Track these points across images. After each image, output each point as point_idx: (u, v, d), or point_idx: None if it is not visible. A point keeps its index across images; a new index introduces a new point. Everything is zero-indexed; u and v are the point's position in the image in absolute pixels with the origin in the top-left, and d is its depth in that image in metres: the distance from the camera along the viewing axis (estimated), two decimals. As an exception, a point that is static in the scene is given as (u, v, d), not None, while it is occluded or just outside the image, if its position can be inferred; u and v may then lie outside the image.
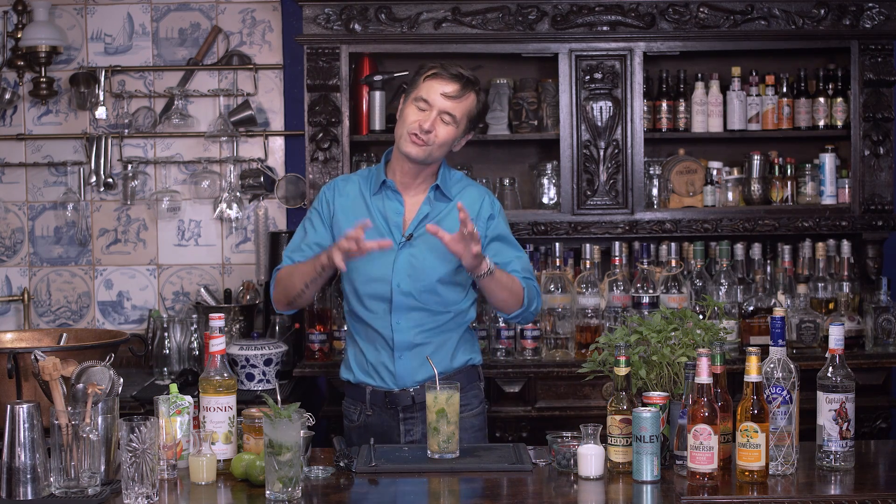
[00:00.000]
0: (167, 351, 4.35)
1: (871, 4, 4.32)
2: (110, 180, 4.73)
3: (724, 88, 4.51)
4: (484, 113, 3.25)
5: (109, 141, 4.72)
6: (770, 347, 2.72)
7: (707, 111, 4.49)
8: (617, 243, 4.30)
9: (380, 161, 3.28)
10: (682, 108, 4.48)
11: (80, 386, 2.64)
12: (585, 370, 2.95)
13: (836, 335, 2.72)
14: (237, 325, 4.43)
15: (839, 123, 4.46)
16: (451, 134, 3.10)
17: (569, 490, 2.65)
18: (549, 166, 4.51)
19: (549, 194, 4.52)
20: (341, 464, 2.78)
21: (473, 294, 3.25)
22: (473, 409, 3.23)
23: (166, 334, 4.36)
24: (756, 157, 4.51)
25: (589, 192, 4.38)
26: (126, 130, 4.75)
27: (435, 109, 3.07)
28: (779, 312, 2.71)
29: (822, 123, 4.48)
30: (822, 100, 4.48)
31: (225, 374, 2.81)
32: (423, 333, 3.14)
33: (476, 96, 3.14)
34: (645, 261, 4.24)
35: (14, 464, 2.50)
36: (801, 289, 4.24)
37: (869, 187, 4.40)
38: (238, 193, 4.72)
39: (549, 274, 4.25)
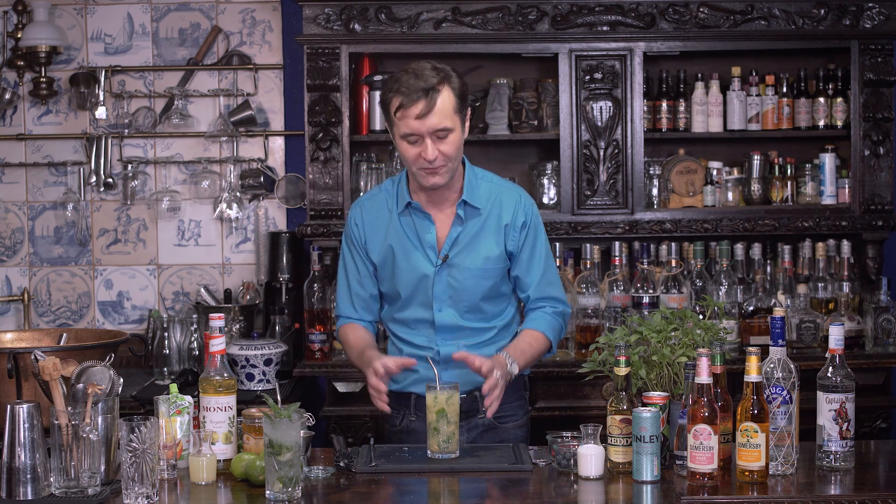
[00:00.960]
0: (167, 351, 4.35)
1: (871, 4, 4.32)
2: (110, 180, 4.73)
3: (724, 88, 4.51)
4: (465, 85, 3.01)
5: (109, 141, 4.72)
6: (770, 347, 2.72)
7: (707, 111, 4.49)
8: (617, 243, 4.30)
9: (387, 161, 3.21)
10: (682, 108, 4.48)
11: (80, 386, 2.64)
12: (585, 370, 2.95)
13: (836, 335, 2.72)
14: (237, 325, 4.43)
15: (839, 123, 4.46)
16: (456, 138, 2.95)
17: (569, 490, 2.65)
18: (549, 166, 4.51)
19: (549, 194, 4.52)
20: (341, 464, 2.78)
21: (516, 302, 3.17)
22: (518, 419, 3.14)
23: (166, 334, 4.36)
24: (756, 157, 4.51)
25: (589, 192, 4.38)
26: (126, 130, 4.75)
27: (425, 136, 2.90)
28: (779, 312, 2.71)
29: (822, 123, 4.48)
30: (822, 100, 4.48)
31: (225, 374, 2.81)
32: (468, 348, 3.02)
33: (448, 85, 2.93)
34: (645, 261, 4.24)
35: (14, 464, 2.50)
36: (801, 289, 4.24)
37: (869, 187, 4.40)
38: (238, 193, 4.72)
39: (549, 274, 4.25)
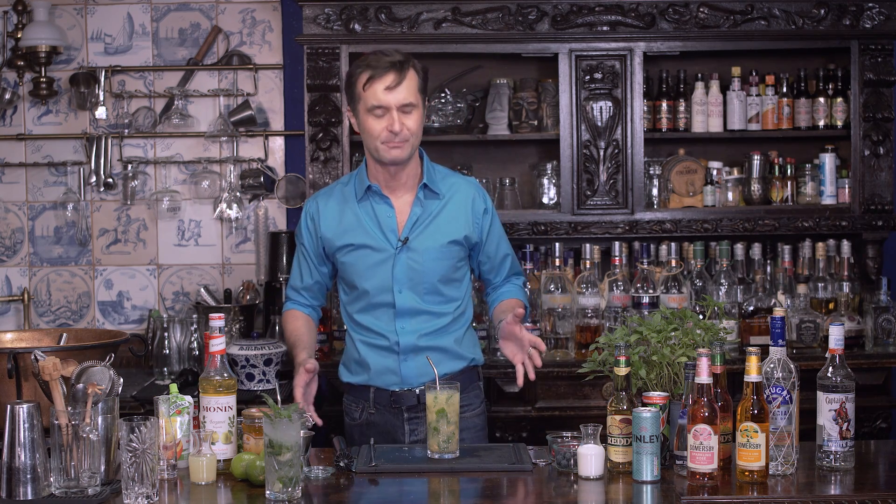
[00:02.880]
0: (167, 351, 4.35)
1: (871, 4, 4.32)
2: (110, 180, 4.73)
3: (724, 88, 4.51)
4: (427, 72, 3.14)
5: (109, 141, 4.72)
6: (770, 347, 2.72)
7: (707, 111, 4.49)
8: (617, 243, 4.30)
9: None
10: (682, 108, 4.48)
11: (80, 386, 2.64)
12: (585, 370, 2.95)
13: (836, 335, 2.72)
14: (237, 325, 4.43)
15: (839, 123, 4.46)
16: (419, 117, 3.08)
17: (569, 490, 2.65)
18: (549, 166, 4.51)
19: (549, 194, 4.52)
20: (341, 464, 2.78)
21: (469, 289, 3.27)
22: (475, 408, 3.24)
23: (166, 334, 4.36)
24: (756, 157, 4.51)
25: (589, 192, 4.38)
26: (126, 130, 4.75)
27: (392, 109, 3.03)
28: (779, 312, 2.71)
29: (822, 123, 4.48)
30: (822, 100, 4.48)
31: (225, 374, 2.81)
32: (426, 336, 3.14)
33: (413, 67, 3.06)
34: (645, 261, 4.24)
35: (14, 464, 2.50)
36: (801, 289, 4.24)
37: (869, 187, 4.40)
38: (238, 193, 4.72)
39: (549, 274, 4.25)
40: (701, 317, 2.96)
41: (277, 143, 4.78)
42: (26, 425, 2.51)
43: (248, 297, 4.58)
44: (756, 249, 4.35)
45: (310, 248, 3.24)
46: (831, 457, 2.72)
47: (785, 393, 2.68)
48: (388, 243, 3.12)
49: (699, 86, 4.50)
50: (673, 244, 4.30)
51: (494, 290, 3.33)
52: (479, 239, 3.20)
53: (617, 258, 4.28)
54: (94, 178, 4.71)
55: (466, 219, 3.17)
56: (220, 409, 2.79)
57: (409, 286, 3.12)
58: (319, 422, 3.04)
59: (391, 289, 3.12)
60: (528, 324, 4.12)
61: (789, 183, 4.49)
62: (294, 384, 3.06)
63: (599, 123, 4.37)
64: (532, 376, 3.01)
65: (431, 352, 3.12)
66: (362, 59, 3.09)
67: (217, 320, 2.84)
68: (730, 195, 4.51)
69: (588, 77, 4.36)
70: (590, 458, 2.67)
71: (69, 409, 2.57)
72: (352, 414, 3.26)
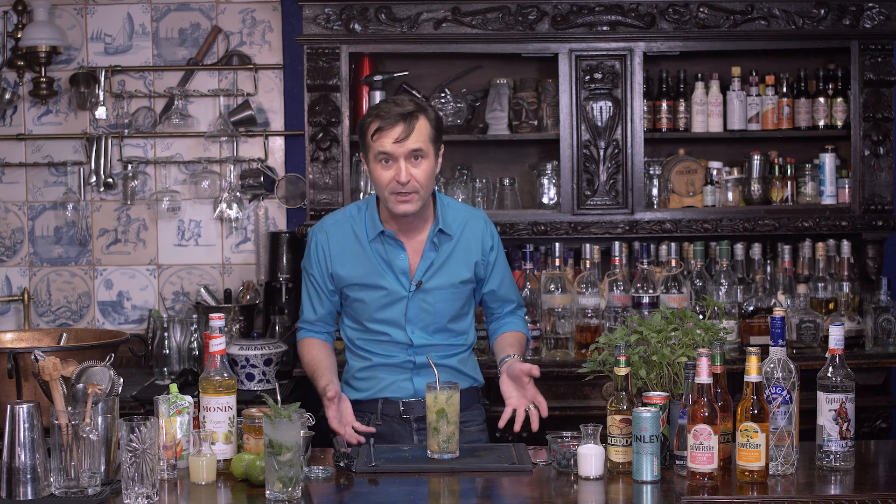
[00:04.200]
0: (167, 351, 4.35)
1: (871, 4, 4.32)
2: (110, 180, 4.73)
3: (724, 88, 4.51)
4: (441, 121, 3.13)
5: (109, 141, 4.72)
6: (770, 347, 2.72)
7: (707, 111, 4.49)
8: (617, 243, 4.30)
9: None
10: (682, 108, 4.48)
11: (80, 386, 2.64)
12: (585, 370, 2.95)
13: (836, 335, 2.72)
14: (237, 325, 4.43)
15: (839, 123, 4.46)
16: (429, 166, 3.03)
17: (569, 490, 2.65)
18: (549, 166, 4.51)
19: (549, 194, 4.52)
20: (341, 464, 2.78)
21: (473, 318, 3.29)
22: (478, 423, 3.27)
23: (166, 334, 4.36)
24: (756, 157, 4.51)
25: (589, 192, 4.38)
26: (126, 130, 4.75)
27: (400, 158, 2.98)
28: (779, 312, 2.71)
29: (822, 123, 4.48)
30: (822, 100, 4.48)
31: (225, 374, 2.81)
32: (436, 357, 3.13)
33: (426, 115, 3.02)
34: (645, 261, 4.24)
35: (14, 464, 2.50)
36: (801, 289, 4.24)
37: (869, 187, 4.40)
38: (238, 193, 4.72)
39: (549, 274, 4.25)
40: (701, 317, 2.96)
41: (277, 143, 4.78)
42: (26, 425, 2.51)
43: (248, 297, 4.58)
44: (756, 249, 4.35)
45: (319, 280, 3.20)
46: (831, 457, 2.72)
47: (785, 393, 2.68)
48: (400, 286, 3.12)
49: (699, 86, 4.50)
50: (673, 244, 4.30)
51: (497, 321, 3.34)
52: (485, 275, 3.22)
53: (617, 258, 4.28)
54: (94, 178, 4.71)
55: (476, 257, 3.18)
56: (220, 409, 2.79)
57: (421, 326, 3.15)
58: (362, 440, 3.01)
59: (404, 329, 3.14)
60: (529, 324, 4.12)
61: (789, 183, 4.49)
62: (328, 417, 3.06)
63: (599, 123, 4.37)
64: (535, 427, 3.05)
65: (440, 369, 3.09)
66: (373, 108, 3.06)
67: (217, 320, 2.84)
68: (730, 195, 4.51)
69: (588, 77, 4.36)
70: (590, 458, 2.67)
71: (69, 409, 2.57)
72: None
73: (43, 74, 4.65)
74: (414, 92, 4.53)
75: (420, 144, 3.00)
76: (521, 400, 3.07)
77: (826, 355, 2.75)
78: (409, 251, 3.13)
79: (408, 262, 3.12)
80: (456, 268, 3.14)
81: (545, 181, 4.53)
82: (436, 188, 3.18)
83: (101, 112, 4.68)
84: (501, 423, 3.04)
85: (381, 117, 2.99)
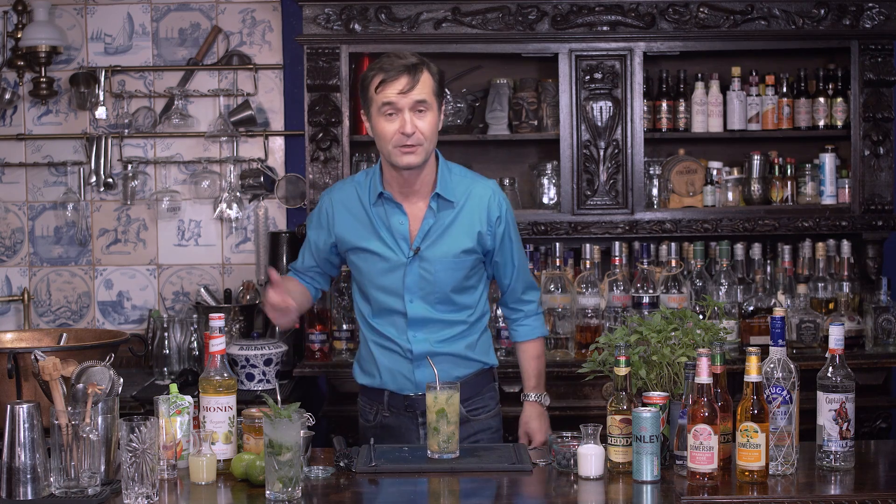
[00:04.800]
0: (167, 351, 4.35)
1: (871, 4, 4.32)
2: (110, 180, 4.73)
3: (724, 88, 4.51)
4: (443, 76, 3.09)
5: (109, 141, 4.72)
6: (770, 347, 2.72)
7: (707, 111, 4.49)
8: (617, 243, 4.30)
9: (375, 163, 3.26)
10: (682, 108, 4.48)
11: (80, 386, 2.64)
12: (585, 370, 2.96)
13: (836, 335, 2.73)
14: (237, 325, 4.42)
15: (839, 123, 4.46)
16: (433, 119, 2.99)
17: (569, 490, 2.65)
18: (549, 166, 4.51)
19: (549, 194, 4.52)
20: (341, 464, 2.78)
21: (485, 293, 3.23)
22: (490, 410, 3.24)
23: (166, 334, 4.36)
24: (756, 157, 4.51)
25: (589, 192, 4.38)
26: (126, 130, 4.75)
27: (404, 109, 2.95)
28: (779, 312, 2.71)
29: (822, 123, 4.48)
30: (822, 100, 4.48)
31: (225, 374, 2.81)
32: (440, 343, 3.11)
33: (429, 70, 2.99)
34: (645, 261, 4.24)
35: (14, 464, 2.50)
36: (801, 289, 4.24)
37: (869, 187, 4.40)
38: (238, 193, 4.72)
39: (549, 274, 4.25)
40: (701, 317, 2.96)
41: (277, 143, 4.78)
42: (26, 425, 2.51)
43: (248, 297, 4.58)
44: (756, 249, 4.35)
45: (317, 239, 3.20)
46: (831, 457, 2.72)
47: (785, 393, 2.68)
48: (400, 252, 3.08)
49: (699, 86, 4.50)
50: (673, 244, 4.30)
51: (517, 313, 3.29)
52: (492, 246, 3.14)
53: (617, 258, 4.28)
54: (94, 178, 4.71)
55: (480, 227, 3.10)
56: (220, 409, 2.79)
57: (421, 296, 3.09)
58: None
59: (402, 297, 3.09)
60: None
61: (789, 183, 4.49)
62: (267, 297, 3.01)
63: (599, 123, 4.37)
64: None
65: (444, 357, 3.10)
66: (376, 62, 3.01)
67: (217, 320, 2.84)
68: (730, 195, 4.51)
69: (588, 77, 4.36)
70: (590, 458, 2.67)
71: (69, 409, 2.57)
72: (366, 416, 3.23)
73: (43, 74, 4.65)
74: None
75: (424, 96, 2.96)
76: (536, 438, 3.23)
77: (826, 355, 2.75)
78: (410, 217, 3.08)
79: (408, 227, 3.08)
80: (457, 236, 3.08)
81: (545, 181, 4.53)
82: (441, 155, 3.13)
83: (101, 112, 4.68)
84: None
85: (385, 70, 2.96)
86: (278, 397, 2.73)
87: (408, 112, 2.95)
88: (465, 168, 3.20)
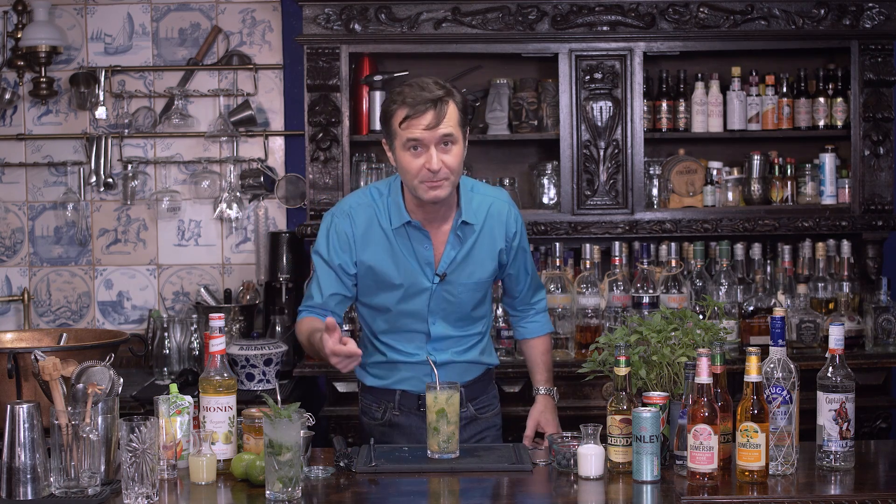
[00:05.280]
0: (167, 351, 4.35)
1: (871, 4, 4.32)
2: (110, 180, 4.73)
3: (724, 88, 4.51)
4: (467, 103, 2.99)
5: (109, 141, 4.72)
6: (770, 347, 2.72)
7: (707, 111, 4.49)
8: (617, 243, 4.30)
9: (387, 161, 3.20)
10: (682, 108, 4.48)
11: (80, 386, 2.64)
12: (585, 370, 2.96)
13: (836, 335, 2.72)
14: (237, 325, 4.43)
15: (839, 123, 4.46)
16: (460, 151, 2.91)
17: (569, 490, 2.65)
18: (549, 166, 4.51)
19: (549, 194, 4.52)
20: (341, 464, 2.78)
21: (491, 300, 3.25)
22: (494, 408, 3.26)
23: (166, 334, 4.36)
24: (756, 157, 4.51)
25: (589, 192, 4.38)
26: (126, 130, 4.75)
27: (430, 146, 2.86)
28: (779, 312, 2.71)
29: (822, 123, 4.48)
30: (822, 100, 4.48)
31: (225, 374, 2.81)
32: (458, 353, 3.13)
33: (453, 99, 2.89)
34: (645, 261, 4.24)
35: (14, 464, 2.50)
36: (801, 289, 4.24)
37: (869, 187, 4.40)
38: (238, 193, 4.72)
39: (549, 274, 4.25)
40: (701, 317, 2.96)
41: (277, 143, 4.78)
42: (26, 425, 2.51)
43: (248, 297, 4.58)
44: (756, 249, 4.35)
45: (344, 263, 3.03)
46: (831, 457, 2.72)
47: (785, 393, 2.68)
48: (425, 278, 3.03)
49: (699, 86, 4.50)
50: (673, 244, 4.30)
51: (524, 314, 3.29)
52: (507, 259, 3.14)
53: (617, 258, 4.28)
54: (94, 178, 4.71)
55: (500, 245, 3.09)
56: (220, 409, 2.79)
57: (443, 317, 3.09)
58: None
59: (426, 320, 3.08)
60: None
61: (789, 183, 4.49)
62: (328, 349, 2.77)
63: (599, 123, 4.37)
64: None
65: (460, 364, 3.11)
66: (399, 92, 2.89)
67: (217, 320, 2.84)
68: (730, 195, 4.51)
69: (588, 77, 4.35)
70: (590, 458, 2.67)
71: (69, 409, 2.57)
72: (372, 414, 3.18)
73: (43, 74, 4.65)
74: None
75: (451, 129, 2.87)
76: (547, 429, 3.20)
77: (826, 355, 2.74)
78: (434, 242, 3.03)
79: (433, 252, 3.03)
80: (481, 260, 3.06)
81: (545, 181, 4.53)
82: (462, 175, 3.06)
83: (101, 112, 4.68)
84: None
85: (410, 104, 2.84)
86: (278, 397, 2.73)
87: (433, 148, 2.86)
88: (477, 182, 3.15)
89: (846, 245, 4.32)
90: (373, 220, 3.03)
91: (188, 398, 2.80)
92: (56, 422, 2.54)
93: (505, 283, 3.24)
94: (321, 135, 4.34)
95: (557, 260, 4.30)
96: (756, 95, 4.49)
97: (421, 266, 3.03)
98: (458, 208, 3.03)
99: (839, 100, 4.45)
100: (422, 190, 2.90)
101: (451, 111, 2.88)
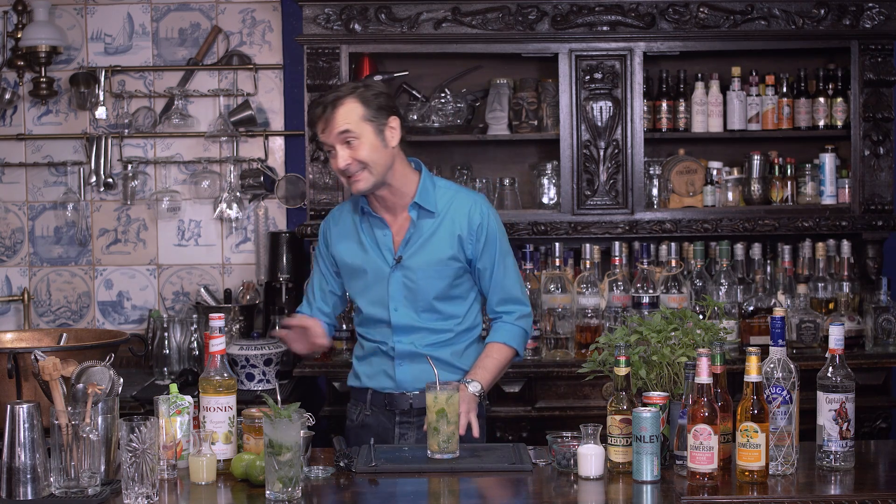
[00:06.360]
0: (167, 351, 4.35)
1: (871, 4, 4.32)
2: (110, 180, 4.73)
3: (724, 88, 4.51)
4: (383, 95, 3.08)
5: (109, 141, 4.72)
6: (770, 347, 2.72)
7: (707, 111, 4.49)
8: (617, 243, 4.30)
9: None
10: (682, 108, 4.48)
11: (80, 386, 2.64)
12: (585, 370, 2.96)
13: (836, 335, 2.72)
14: (237, 325, 4.43)
15: (839, 123, 4.46)
16: (367, 143, 3.03)
17: (569, 490, 2.65)
18: (549, 166, 4.51)
19: (549, 194, 4.52)
20: (341, 464, 2.78)
21: (477, 305, 3.25)
22: (477, 414, 3.21)
23: (166, 334, 4.36)
24: (756, 157, 4.51)
25: (589, 192, 4.38)
26: (126, 130, 4.75)
27: (335, 145, 3.04)
28: (779, 312, 2.71)
29: (822, 123, 4.48)
30: (822, 100, 4.48)
31: (225, 374, 2.81)
32: (424, 347, 3.15)
33: (354, 96, 3.03)
34: (645, 261, 4.24)
35: (14, 464, 2.50)
36: (801, 289, 4.24)
37: (869, 187, 4.40)
38: (238, 193, 4.72)
39: (549, 274, 4.25)
40: (701, 317, 2.96)
41: (277, 143, 4.78)
42: (26, 425, 2.51)
43: (248, 297, 4.58)
44: (756, 249, 4.35)
45: (321, 264, 3.30)
46: (831, 457, 2.72)
47: (785, 393, 2.68)
48: (383, 262, 3.15)
49: (699, 86, 4.50)
50: (673, 244, 4.30)
51: (493, 322, 3.27)
52: (474, 254, 3.17)
53: (617, 258, 4.28)
54: (94, 178, 4.71)
55: (461, 231, 3.14)
56: (220, 409, 2.79)
57: (405, 304, 3.15)
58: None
59: (387, 306, 3.15)
60: None
61: (789, 183, 4.49)
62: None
63: (599, 123, 4.37)
64: (476, 434, 3.03)
65: (425, 360, 3.10)
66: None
67: (217, 320, 2.84)
68: (730, 195, 4.51)
69: (588, 77, 4.36)
70: (590, 458, 2.67)
71: (69, 409, 2.57)
72: (350, 415, 3.30)
73: (43, 74, 4.65)
74: (414, 92, 4.53)
75: (347, 126, 3.01)
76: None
77: (826, 355, 2.75)
78: (393, 229, 3.17)
79: (392, 238, 3.16)
80: (439, 244, 3.14)
81: (545, 181, 4.53)
82: (426, 171, 3.19)
83: (101, 112, 4.69)
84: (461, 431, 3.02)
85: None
86: (278, 397, 2.73)
87: (338, 147, 3.04)
88: (454, 183, 3.27)
89: (846, 245, 4.32)
90: (347, 217, 3.25)
91: (188, 398, 2.80)
92: (56, 422, 2.54)
93: (482, 289, 3.24)
94: (321, 135, 4.34)
95: (557, 260, 4.30)
96: (756, 95, 4.49)
97: (381, 251, 3.16)
98: (415, 195, 3.16)
99: (839, 100, 4.45)
100: (348, 185, 3.11)
101: (348, 109, 3.03)
